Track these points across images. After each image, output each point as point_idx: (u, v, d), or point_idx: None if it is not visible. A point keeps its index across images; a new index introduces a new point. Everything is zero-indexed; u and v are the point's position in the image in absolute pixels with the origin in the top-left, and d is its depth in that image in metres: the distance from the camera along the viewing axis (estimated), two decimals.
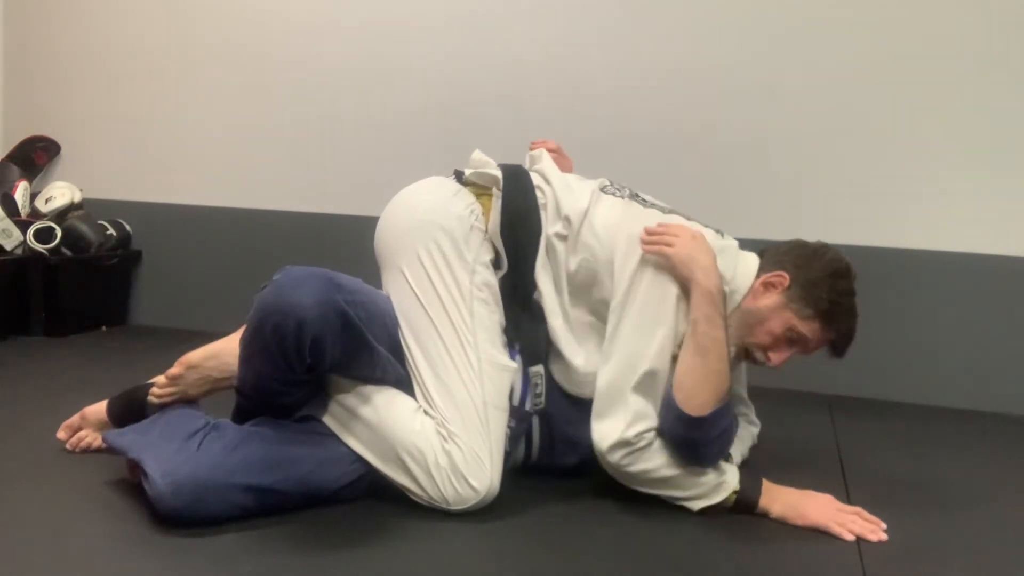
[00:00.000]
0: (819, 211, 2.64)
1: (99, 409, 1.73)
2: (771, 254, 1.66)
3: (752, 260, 1.67)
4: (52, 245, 3.04)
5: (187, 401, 1.63)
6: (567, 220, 1.63)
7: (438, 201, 1.65)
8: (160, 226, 3.33)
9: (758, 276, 1.63)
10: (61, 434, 1.77)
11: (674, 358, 1.54)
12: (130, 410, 1.65)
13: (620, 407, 1.52)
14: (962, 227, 2.61)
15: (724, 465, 1.58)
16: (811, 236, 1.71)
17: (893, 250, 2.64)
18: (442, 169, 1.78)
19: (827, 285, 1.59)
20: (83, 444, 1.75)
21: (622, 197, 1.70)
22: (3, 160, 3.36)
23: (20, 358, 2.69)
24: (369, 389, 1.54)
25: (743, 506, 1.56)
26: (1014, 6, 2.55)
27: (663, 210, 1.70)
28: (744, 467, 1.63)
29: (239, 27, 3.24)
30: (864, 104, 2.67)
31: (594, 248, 1.61)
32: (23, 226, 3.06)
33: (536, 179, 1.70)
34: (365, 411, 1.53)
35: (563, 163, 1.83)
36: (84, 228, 3.12)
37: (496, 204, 1.65)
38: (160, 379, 1.64)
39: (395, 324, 1.59)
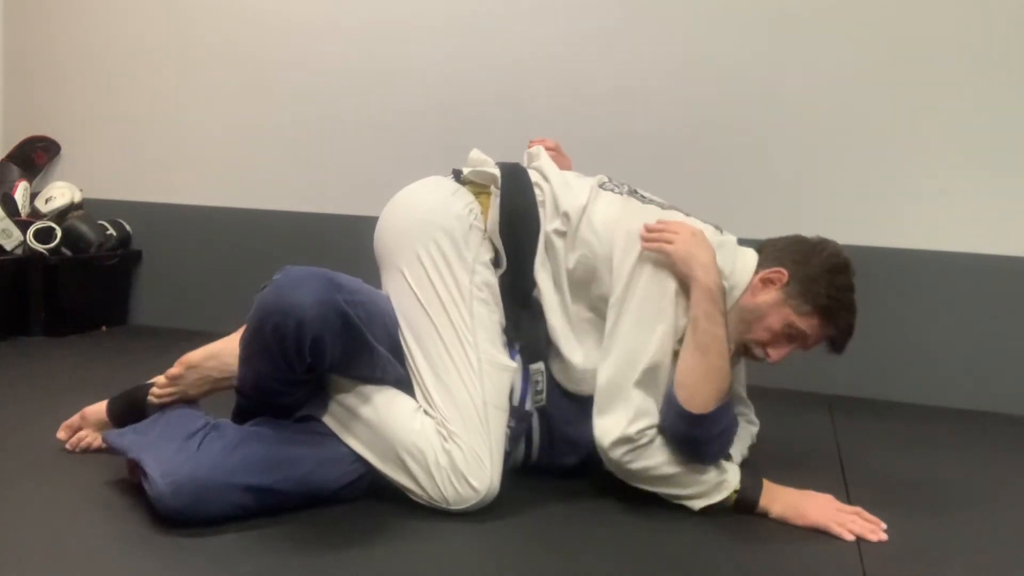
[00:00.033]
0: (819, 211, 2.64)
1: (99, 409, 1.73)
2: (770, 250, 1.66)
3: (751, 256, 1.67)
4: (52, 245, 3.04)
5: (187, 401, 1.63)
6: (566, 216, 1.63)
7: (437, 201, 1.65)
8: (160, 226, 3.33)
9: (756, 272, 1.63)
10: (61, 434, 1.77)
11: (675, 354, 1.54)
12: (130, 410, 1.65)
13: (622, 403, 1.52)
14: (962, 227, 2.61)
15: (725, 464, 1.58)
16: (810, 235, 1.71)
17: (893, 250, 2.64)
18: (442, 169, 1.78)
19: (826, 281, 1.59)
20: (83, 444, 1.75)
21: (621, 193, 1.70)
22: (3, 160, 3.36)
23: (20, 358, 2.69)
24: (369, 389, 1.54)
25: (743, 506, 1.56)
26: (1014, 6, 2.55)
27: (661, 206, 1.70)
28: (744, 467, 1.63)
29: (239, 27, 3.24)
30: (864, 104, 2.67)
31: (593, 244, 1.61)
32: (23, 226, 3.06)
33: (534, 176, 1.70)
34: (365, 411, 1.53)
35: (562, 162, 1.83)
36: (84, 228, 3.12)
37: (495, 202, 1.65)
38: (160, 379, 1.64)
39: (395, 324, 1.59)
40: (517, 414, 1.62)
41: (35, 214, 3.16)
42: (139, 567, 1.28)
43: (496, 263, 1.65)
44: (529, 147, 1.84)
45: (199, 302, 3.25)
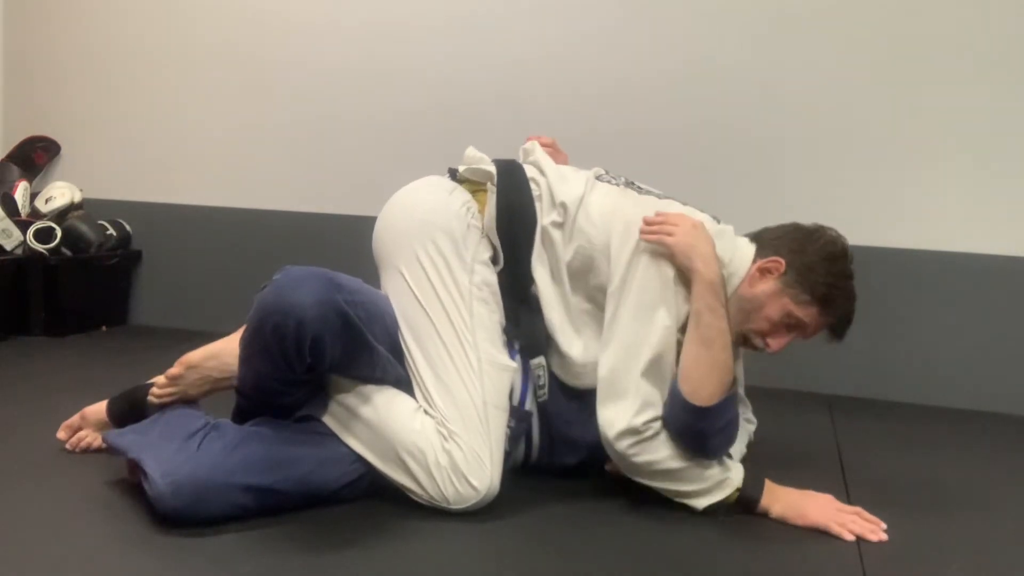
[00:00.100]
0: (819, 211, 2.60)
1: (99, 409, 1.73)
2: (767, 238, 1.65)
3: (747, 246, 1.66)
4: (52, 245, 3.04)
5: (187, 401, 1.63)
6: (563, 207, 1.63)
7: (435, 201, 1.66)
8: (160, 226, 3.33)
9: (754, 261, 1.62)
10: (61, 434, 1.77)
11: (678, 345, 1.54)
12: (130, 410, 1.65)
13: (627, 394, 1.51)
14: (962, 227, 2.62)
15: (728, 462, 1.58)
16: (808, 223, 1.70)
17: (893, 250, 2.64)
18: (442, 169, 1.78)
19: (823, 269, 1.58)
20: (83, 444, 1.75)
21: (617, 185, 1.70)
22: (3, 160, 3.36)
23: (20, 358, 2.69)
24: (369, 389, 1.54)
25: (744, 504, 1.56)
26: (1015, 6, 2.55)
27: (659, 196, 1.69)
28: (745, 466, 1.63)
29: (239, 27, 3.24)
30: (864, 104, 2.67)
31: (590, 234, 1.61)
32: (23, 226, 3.06)
33: (531, 172, 1.70)
34: (365, 411, 1.53)
35: (558, 158, 1.83)
36: (84, 228, 3.12)
37: (491, 200, 1.65)
38: (160, 379, 1.64)
39: (395, 324, 1.59)
40: (517, 414, 1.62)
41: (35, 214, 3.17)
42: (139, 567, 1.28)
43: (494, 260, 1.65)
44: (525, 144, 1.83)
45: (199, 302, 3.25)
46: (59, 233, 3.06)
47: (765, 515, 1.56)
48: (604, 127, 2.83)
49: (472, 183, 1.71)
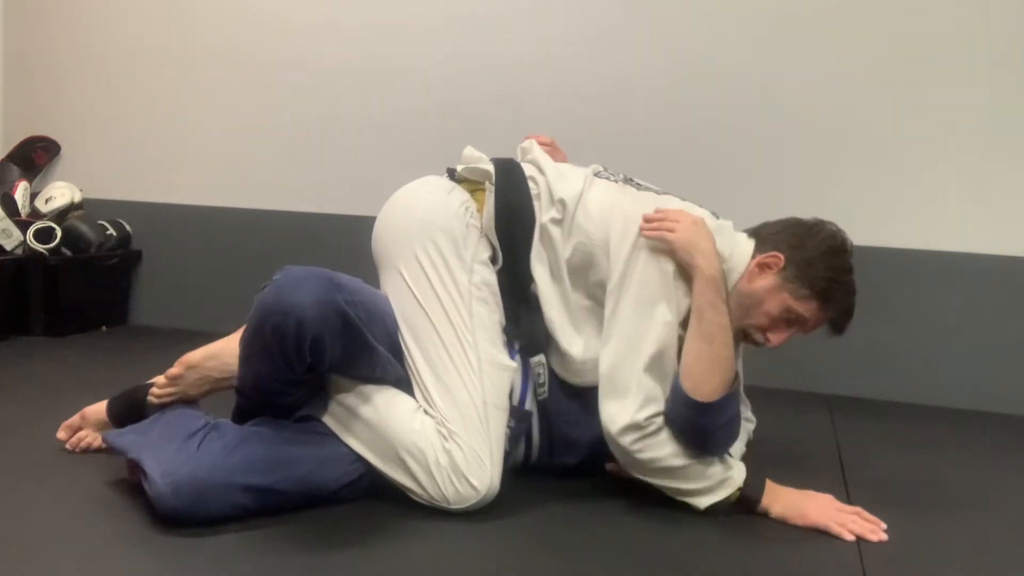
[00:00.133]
0: (819, 211, 2.58)
1: (99, 409, 1.73)
2: (766, 233, 1.65)
3: (746, 241, 1.65)
4: (52, 245, 3.04)
5: (187, 401, 1.63)
6: (562, 204, 1.62)
7: (434, 201, 1.65)
8: (160, 226, 3.33)
9: (753, 257, 1.62)
10: (61, 434, 1.77)
11: (679, 341, 1.54)
12: (130, 410, 1.65)
13: (629, 389, 1.51)
14: (962, 227, 2.62)
15: (730, 461, 1.57)
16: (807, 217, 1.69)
17: (893, 250, 2.64)
18: (442, 169, 1.78)
19: (823, 264, 1.58)
20: (83, 444, 1.75)
21: (616, 181, 1.70)
22: (3, 160, 3.36)
23: (20, 358, 2.69)
24: (369, 389, 1.54)
25: (745, 504, 1.56)
26: (1015, 6, 2.55)
27: (657, 192, 1.69)
28: (745, 465, 1.63)
29: (239, 27, 3.24)
30: (864, 104, 2.67)
31: (589, 230, 1.61)
32: (23, 226, 3.06)
33: (529, 170, 1.70)
34: (365, 411, 1.53)
35: (557, 157, 1.82)
36: (84, 228, 3.12)
37: (489, 199, 1.65)
38: (160, 379, 1.64)
39: (395, 324, 1.59)
40: (517, 414, 1.62)
41: (35, 214, 3.17)
42: (139, 567, 1.28)
43: (493, 260, 1.65)
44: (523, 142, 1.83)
45: (199, 302, 3.25)
46: (59, 233, 3.06)
47: (765, 515, 1.56)
48: (604, 127, 2.83)
49: (470, 182, 1.71)
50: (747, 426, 1.80)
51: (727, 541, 1.46)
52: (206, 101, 3.30)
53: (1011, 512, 1.71)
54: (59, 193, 3.20)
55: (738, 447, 1.70)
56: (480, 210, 1.66)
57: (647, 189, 1.71)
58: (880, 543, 1.47)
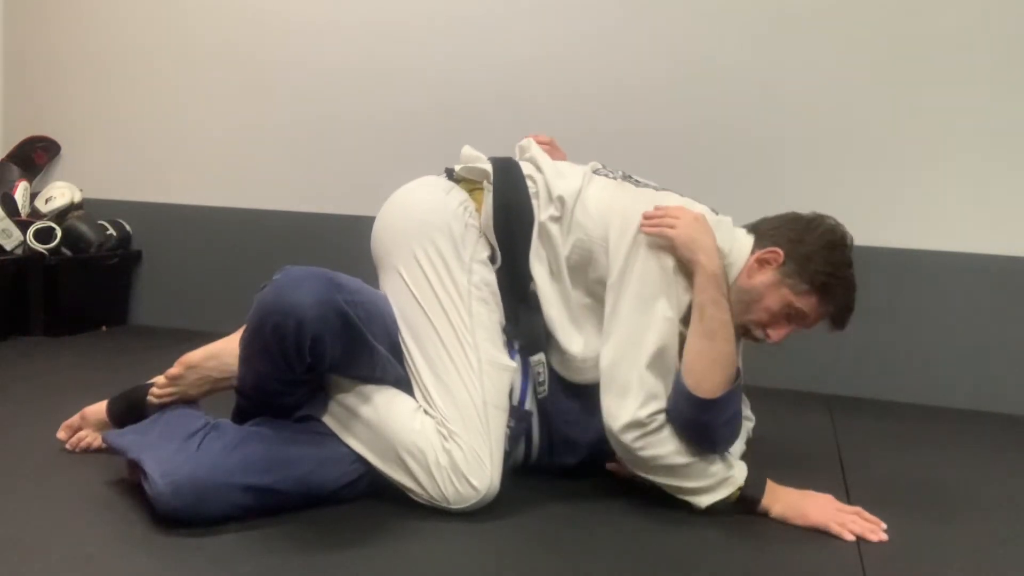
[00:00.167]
0: (819, 210, 2.63)
1: (99, 409, 1.73)
2: (765, 229, 1.65)
3: (745, 237, 1.65)
4: (52, 245, 3.04)
5: (187, 401, 1.63)
6: (560, 201, 1.62)
7: (432, 200, 1.65)
8: (160, 226, 3.33)
9: (752, 252, 1.61)
10: (61, 434, 1.77)
11: (681, 337, 1.53)
12: (130, 410, 1.65)
13: (631, 386, 1.51)
14: (962, 227, 2.62)
15: (732, 459, 1.57)
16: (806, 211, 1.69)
17: (893, 250, 2.64)
18: (442, 169, 1.78)
19: (822, 259, 1.57)
20: (83, 444, 1.75)
21: (614, 178, 1.70)
22: (3, 160, 3.36)
23: (20, 358, 2.69)
24: (369, 389, 1.54)
25: (745, 503, 1.56)
26: (1015, 6, 2.55)
27: (656, 189, 1.69)
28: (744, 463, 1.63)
29: (239, 27, 3.24)
30: (864, 104, 2.67)
31: (587, 227, 1.61)
32: (23, 226, 3.06)
33: (527, 168, 1.70)
34: (365, 411, 1.53)
35: (556, 157, 1.82)
36: (84, 228, 3.12)
37: (487, 198, 1.65)
38: (160, 379, 1.64)
39: (395, 324, 1.59)
40: (517, 414, 1.62)
41: (35, 214, 3.16)
42: (139, 567, 1.28)
43: (492, 259, 1.65)
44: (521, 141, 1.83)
45: (199, 302, 3.25)
46: (59, 233, 3.06)
47: (765, 515, 1.56)
48: (604, 127, 2.83)
49: (469, 182, 1.71)
50: (746, 424, 1.80)
51: (727, 541, 1.46)
52: (206, 101, 3.30)
53: (1011, 512, 1.71)
54: (59, 193, 3.20)
55: (738, 446, 1.69)
56: (478, 209, 1.66)
57: (646, 186, 1.70)
58: (880, 543, 1.47)
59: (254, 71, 3.23)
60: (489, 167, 1.68)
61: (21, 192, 3.16)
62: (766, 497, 1.56)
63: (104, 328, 3.21)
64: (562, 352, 1.63)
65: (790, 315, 1.60)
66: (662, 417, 1.51)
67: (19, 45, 3.49)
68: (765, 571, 1.37)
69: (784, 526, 1.53)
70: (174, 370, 1.62)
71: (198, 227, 3.29)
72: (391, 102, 3.08)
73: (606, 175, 1.71)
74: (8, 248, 3.02)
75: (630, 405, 1.50)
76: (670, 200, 1.63)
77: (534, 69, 2.93)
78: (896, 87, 2.65)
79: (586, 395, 1.63)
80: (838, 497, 1.59)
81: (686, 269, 1.54)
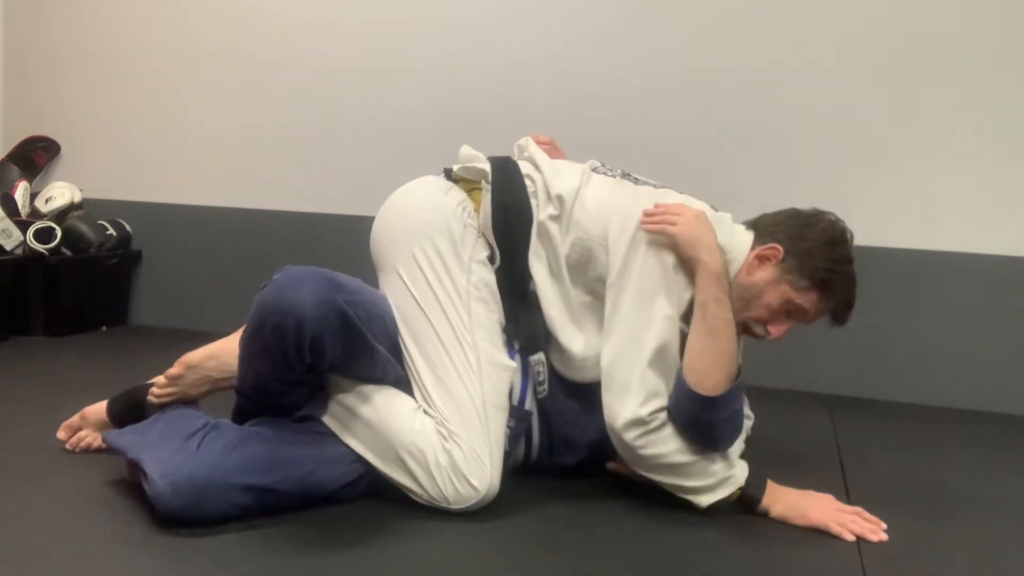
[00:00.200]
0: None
1: (99, 409, 1.73)
2: (764, 225, 1.64)
3: (745, 233, 1.64)
4: (52, 245, 3.04)
5: (187, 401, 1.63)
6: (559, 199, 1.62)
7: (431, 201, 1.65)
8: (160, 226, 3.33)
9: (752, 249, 1.61)
10: (61, 434, 1.77)
11: (682, 335, 1.53)
12: (130, 410, 1.65)
13: (632, 384, 1.50)
14: (962, 227, 2.62)
15: (733, 459, 1.57)
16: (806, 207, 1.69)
17: (893, 250, 2.64)
18: (442, 169, 1.78)
19: (822, 254, 1.57)
20: (83, 444, 1.74)
21: (613, 176, 1.70)
22: (3, 160, 3.36)
23: (20, 358, 2.69)
24: (369, 389, 1.54)
25: (745, 503, 1.56)
26: (1015, 6, 2.55)
27: (655, 187, 1.69)
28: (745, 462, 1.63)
29: (239, 27, 3.24)
30: (864, 104, 2.67)
31: (586, 225, 1.60)
32: (23, 226, 3.06)
33: (525, 167, 1.70)
34: (365, 411, 1.53)
35: (556, 157, 1.82)
36: (84, 228, 3.12)
37: (486, 198, 1.65)
38: (160, 379, 1.64)
39: (395, 324, 1.59)
40: (517, 413, 1.62)
41: (35, 214, 3.16)
42: (139, 567, 1.28)
43: (491, 259, 1.64)
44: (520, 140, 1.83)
45: (199, 302, 3.25)
46: (59, 233, 3.06)
47: (765, 515, 1.56)
48: (604, 127, 2.83)
49: (467, 182, 1.71)
50: (746, 423, 1.79)
51: (727, 541, 1.46)
52: (206, 101, 3.30)
53: (1011, 512, 1.71)
54: (59, 193, 3.20)
55: (737, 445, 1.69)
56: (477, 209, 1.66)
57: (645, 183, 1.70)
58: (880, 543, 1.47)
59: (254, 71, 3.23)
60: (487, 167, 1.68)
61: (21, 192, 3.16)
62: (766, 497, 1.56)
63: (104, 328, 3.21)
64: (562, 351, 1.63)
65: (790, 311, 1.60)
66: (663, 415, 1.51)
67: (19, 45, 3.49)
68: (765, 571, 1.37)
69: (784, 526, 1.53)
70: (174, 370, 1.62)
71: (198, 227, 3.29)
72: (391, 102, 3.08)
73: (605, 173, 1.70)
74: (8, 248, 3.02)
75: (631, 403, 1.50)
76: (670, 197, 1.63)
77: (534, 69, 2.93)
78: (896, 87, 2.65)
79: (586, 395, 1.63)
80: (838, 497, 1.59)
81: (686, 266, 1.54)
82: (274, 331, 1.43)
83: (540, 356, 1.63)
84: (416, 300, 1.57)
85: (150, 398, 1.63)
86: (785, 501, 1.56)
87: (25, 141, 3.40)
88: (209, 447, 1.45)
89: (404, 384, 1.56)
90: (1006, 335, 2.58)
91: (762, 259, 1.59)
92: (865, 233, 2.57)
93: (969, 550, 1.49)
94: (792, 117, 2.72)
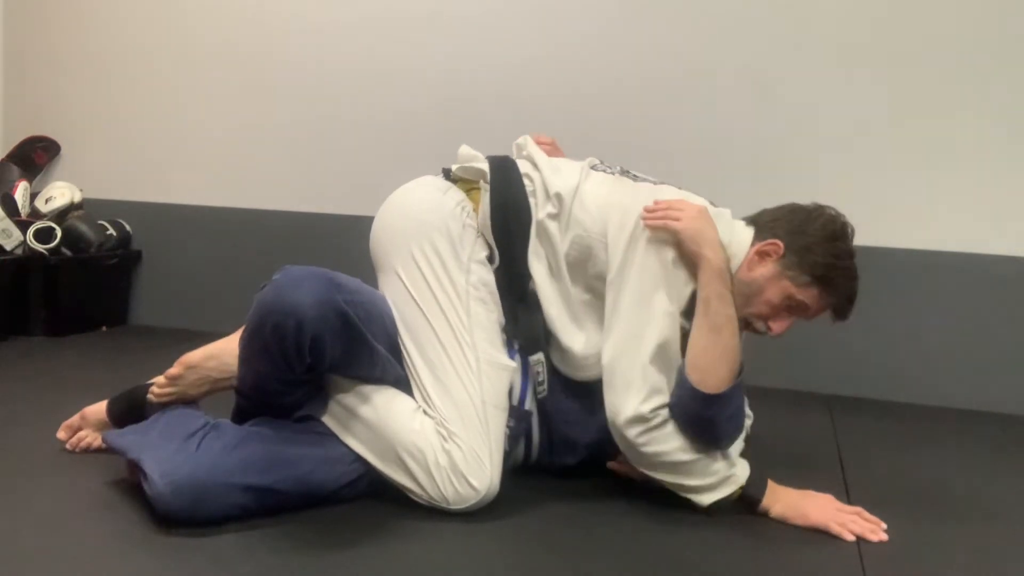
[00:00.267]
0: None
1: (99, 409, 1.73)
2: (764, 221, 1.64)
3: (745, 229, 1.64)
4: (52, 245, 3.04)
5: (187, 401, 1.63)
6: (558, 198, 1.62)
7: (430, 201, 1.65)
8: (160, 226, 3.33)
9: (752, 244, 1.60)
10: (61, 434, 1.77)
11: (683, 332, 1.53)
12: (130, 410, 1.66)
13: (634, 381, 1.50)
14: (962, 227, 2.62)
15: (734, 458, 1.57)
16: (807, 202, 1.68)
17: (893, 250, 2.64)
18: (440, 170, 1.78)
19: (822, 250, 1.56)
20: (83, 444, 1.75)
21: (612, 173, 1.70)
22: (3, 160, 3.36)
23: (20, 358, 2.69)
24: (368, 389, 1.54)
25: (746, 503, 1.56)
26: (1015, 6, 2.55)
27: (654, 183, 1.69)
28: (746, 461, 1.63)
29: (239, 27, 3.24)
30: (864, 104, 2.67)
31: (585, 223, 1.60)
32: (23, 226, 3.06)
33: (524, 166, 1.69)
34: (364, 411, 1.53)
35: (557, 156, 1.82)
36: (84, 228, 3.12)
37: (484, 198, 1.65)
38: (160, 379, 1.64)
39: (394, 324, 1.59)
40: (516, 413, 1.62)
41: (35, 214, 3.16)
42: (139, 567, 1.28)
43: (490, 259, 1.64)
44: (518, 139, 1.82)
45: (199, 302, 3.25)
46: (59, 233, 3.06)
47: (765, 515, 1.56)
48: (604, 127, 2.83)
49: (466, 182, 1.71)
50: (745, 422, 1.79)
51: (727, 541, 1.46)
52: (206, 101, 3.30)
53: (1011, 512, 1.71)
54: (59, 193, 3.20)
55: (737, 444, 1.69)
56: (476, 209, 1.66)
57: (644, 180, 1.70)
58: (880, 543, 1.47)
59: (254, 71, 3.23)
60: (486, 166, 1.68)
61: (21, 192, 3.16)
62: (766, 497, 1.56)
63: (104, 328, 3.21)
64: (563, 350, 1.63)
65: (791, 307, 1.59)
66: (665, 412, 1.51)
67: (19, 45, 3.49)
68: (765, 571, 1.37)
69: (784, 526, 1.53)
70: (174, 370, 1.62)
71: (198, 227, 3.29)
72: (391, 102, 3.08)
73: (604, 170, 1.70)
74: (8, 248, 3.02)
75: (633, 400, 1.50)
76: (669, 193, 1.63)
77: (534, 69, 2.93)
78: (896, 87, 2.65)
79: (585, 395, 1.63)
80: (838, 497, 1.59)
81: (686, 262, 1.54)
82: (274, 331, 1.43)
83: (539, 356, 1.63)
84: (415, 300, 1.57)
85: (150, 398, 1.63)
86: (785, 501, 1.56)
87: (25, 141, 3.40)
88: (209, 447, 1.45)
89: (404, 384, 1.56)
90: (1006, 335, 2.58)
91: (762, 255, 1.59)
92: (865, 233, 2.57)
93: (969, 550, 1.49)
94: (792, 117, 2.72)
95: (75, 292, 3.08)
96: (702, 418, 1.49)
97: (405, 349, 1.57)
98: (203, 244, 3.29)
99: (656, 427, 1.50)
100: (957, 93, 2.60)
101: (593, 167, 1.71)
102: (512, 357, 1.61)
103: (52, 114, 3.45)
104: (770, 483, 1.58)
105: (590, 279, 1.62)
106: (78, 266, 3.10)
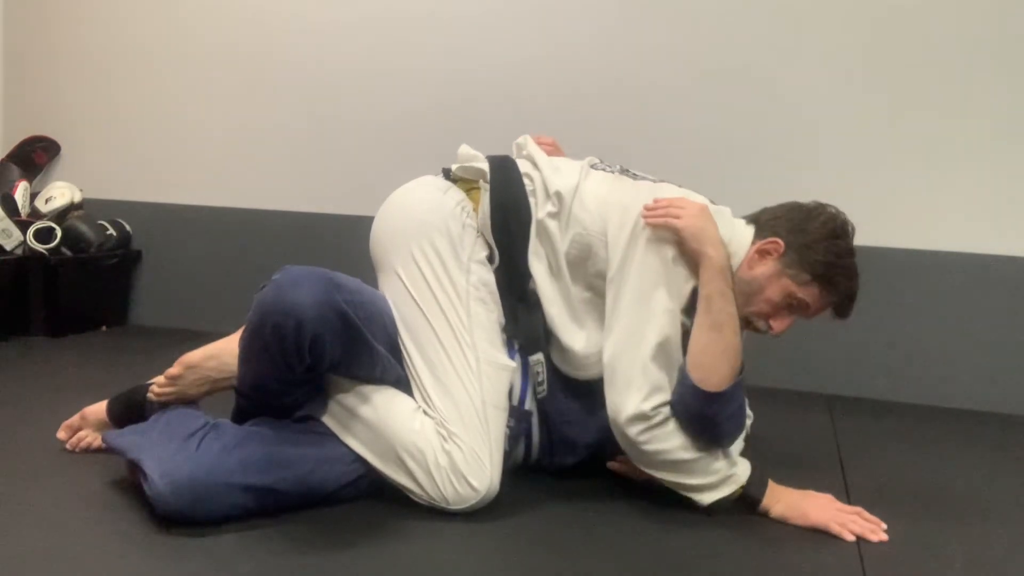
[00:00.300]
0: None
1: (99, 409, 1.73)
2: (765, 219, 1.63)
3: (745, 228, 1.64)
4: (52, 245, 3.04)
5: (187, 401, 1.63)
6: (558, 196, 1.62)
7: (430, 201, 1.65)
8: (160, 226, 3.33)
9: (753, 243, 1.60)
10: (61, 434, 1.77)
11: (684, 329, 1.53)
12: (130, 410, 1.66)
13: (635, 379, 1.50)
14: (962, 227, 2.61)
15: (735, 457, 1.57)
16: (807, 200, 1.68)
17: (893, 250, 2.64)
18: (440, 169, 1.78)
19: (823, 248, 1.56)
20: (83, 444, 1.75)
21: (612, 172, 1.70)
22: (3, 160, 3.36)
23: (20, 358, 2.69)
24: (368, 389, 1.54)
25: (746, 503, 1.56)
26: (1015, 6, 2.55)
27: (653, 181, 1.69)
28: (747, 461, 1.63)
29: (239, 27, 3.24)
30: (864, 104, 2.67)
31: (585, 221, 1.60)
32: (23, 226, 3.06)
33: (524, 166, 1.69)
34: (364, 411, 1.53)
35: (558, 156, 1.82)
36: (84, 228, 3.12)
37: (484, 197, 1.65)
38: (159, 379, 1.64)
39: (394, 324, 1.59)
40: (516, 413, 1.62)
41: (35, 214, 3.16)
42: (139, 567, 1.28)
43: (490, 259, 1.64)
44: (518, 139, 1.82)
45: (199, 302, 3.25)
46: (59, 233, 3.06)
47: (765, 515, 1.56)
48: (604, 127, 2.83)
49: (466, 181, 1.71)
50: (745, 422, 1.79)
51: (727, 541, 1.46)
52: (206, 101, 3.30)
53: (1011, 513, 1.71)
54: (59, 193, 3.20)
55: (738, 444, 1.69)
56: (476, 209, 1.66)
57: (643, 179, 1.70)
58: (880, 543, 1.47)
59: (254, 71, 3.23)
60: (485, 166, 1.68)
61: (21, 192, 3.16)
62: (767, 497, 1.56)
63: (104, 328, 3.21)
64: (564, 349, 1.63)
65: (792, 306, 1.59)
66: (667, 410, 1.51)
67: (19, 45, 3.49)
68: (765, 571, 1.37)
69: (784, 526, 1.53)
70: (174, 370, 1.62)
71: (198, 227, 3.29)
72: (391, 102, 3.08)
73: (603, 169, 1.70)
74: (8, 248, 3.02)
75: (634, 398, 1.49)
76: (669, 192, 1.62)
77: (534, 69, 2.93)
78: (896, 87, 2.65)
79: (585, 395, 1.63)
80: (838, 497, 1.59)
81: (686, 259, 1.53)
82: (274, 331, 1.43)
83: (539, 356, 1.63)
84: (415, 301, 1.57)
85: (150, 397, 1.63)
86: (785, 501, 1.56)
87: (25, 141, 3.40)
88: (209, 447, 1.45)
89: (404, 384, 1.56)
90: (1006, 335, 2.58)
91: (763, 253, 1.59)
92: (865, 233, 2.57)
93: (969, 550, 1.49)
94: (792, 117, 2.72)
95: (75, 292, 3.08)
96: (703, 416, 1.49)
97: (405, 349, 1.57)
98: (203, 244, 3.29)
99: (657, 425, 1.50)
100: (957, 93, 2.60)
101: (593, 166, 1.71)
102: (512, 357, 1.61)
103: (52, 114, 3.45)
104: (770, 483, 1.57)
105: (590, 278, 1.62)
106: (78, 266, 3.10)
